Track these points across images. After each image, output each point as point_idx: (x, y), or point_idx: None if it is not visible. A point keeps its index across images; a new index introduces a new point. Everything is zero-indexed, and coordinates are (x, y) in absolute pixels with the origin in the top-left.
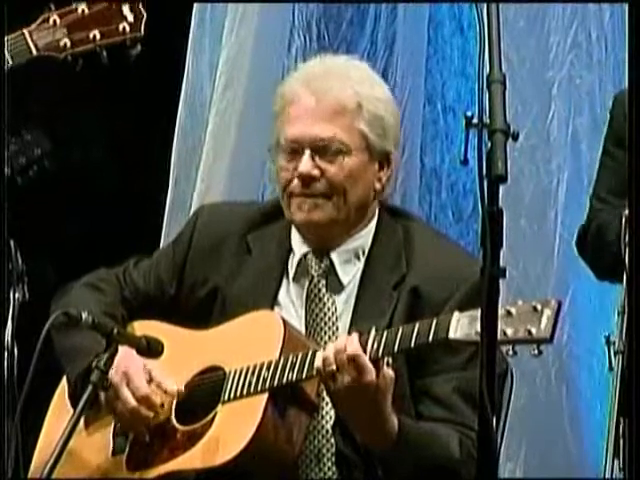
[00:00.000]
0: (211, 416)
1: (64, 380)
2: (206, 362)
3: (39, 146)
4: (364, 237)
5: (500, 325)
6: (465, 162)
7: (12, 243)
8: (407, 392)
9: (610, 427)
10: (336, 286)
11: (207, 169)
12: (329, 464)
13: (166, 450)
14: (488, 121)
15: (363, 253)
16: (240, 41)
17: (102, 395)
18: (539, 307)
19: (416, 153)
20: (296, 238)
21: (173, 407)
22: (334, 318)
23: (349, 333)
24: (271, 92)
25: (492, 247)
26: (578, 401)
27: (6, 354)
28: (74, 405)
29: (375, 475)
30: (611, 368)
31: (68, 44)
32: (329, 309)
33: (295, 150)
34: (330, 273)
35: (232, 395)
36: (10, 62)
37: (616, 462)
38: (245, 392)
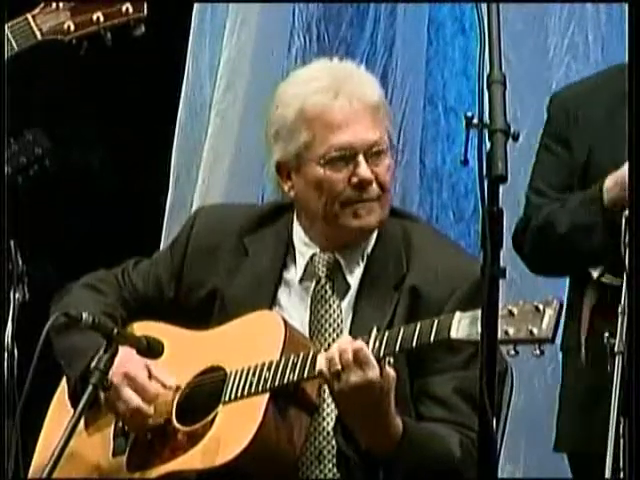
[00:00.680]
0: (212, 416)
1: (64, 381)
2: (207, 362)
3: (40, 145)
4: (367, 237)
5: (502, 325)
6: (465, 162)
7: (12, 243)
8: (407, 392)
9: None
10: (342, 288)
11: (207, 170)
12: (330, 465)
13: (167, 450)
14: (488, 121)
15: (366, 253)
16: (241, 43)
17: (102, 396)
18: (541, 307)
19: (416, 154)
20: (300, 240)
21: (174, 407)
22: (339, 320)
23: (350, 333)
24: (272, 93)
25: (492, 247)
26: None
27: (6, 354)
28: (74, 406)
29: (376, 476)
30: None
31: (72, 27)
32: (334, 311)
33: (344, 157)
34: (337, 275)
35: (233, 395)
36: (15, 47)
37: (616, 462)
38: (246, 392)
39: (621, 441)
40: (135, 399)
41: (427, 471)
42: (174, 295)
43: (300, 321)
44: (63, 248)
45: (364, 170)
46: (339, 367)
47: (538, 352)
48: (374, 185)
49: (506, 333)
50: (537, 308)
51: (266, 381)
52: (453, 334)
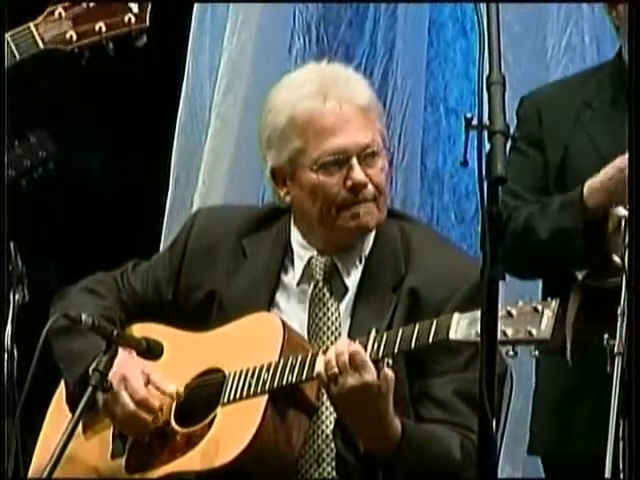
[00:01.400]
0: (210, 418)
1: (62, 385)
2: (206, 364)
3: (44, 149)
4: (365, 240)
5: (501, 326)
6: (465, 164)
7: (12, 245)
8: (406, 394)
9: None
10: (340, 290)
11: (207, 171)
12: (329, 468)
13: (165, 452)
14: (488, 122)
15: (364, 256)
16: (241, 44)
17: (100, 399)
18: (540, 308)
19: (417, 155)
20: (298, 243)
21: (172, 409)
22: (337, 323)
23: (349, 336)
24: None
25: (492, 248)
26: None
27: (6, 355)
28: (72, 409)
29: (375, 478)
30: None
31: (74, 36)
32: (332, 314)
33: (338, 161)
34: (335, 278)
35: (232, 397)
36: (17, 56)
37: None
38: (245, 394)
39: (620, 443)
40: (132, 404)
41: (427, 473)
42: (173, 297)
43: (298, 324)
44: (63, 249)
45: (358, 173)
46: (336, 370)
47: (536, 353)
48: (369, 187)
49: (505, 334)
50: (536, 309)
51: (265, 383)
52: (452, 335)
